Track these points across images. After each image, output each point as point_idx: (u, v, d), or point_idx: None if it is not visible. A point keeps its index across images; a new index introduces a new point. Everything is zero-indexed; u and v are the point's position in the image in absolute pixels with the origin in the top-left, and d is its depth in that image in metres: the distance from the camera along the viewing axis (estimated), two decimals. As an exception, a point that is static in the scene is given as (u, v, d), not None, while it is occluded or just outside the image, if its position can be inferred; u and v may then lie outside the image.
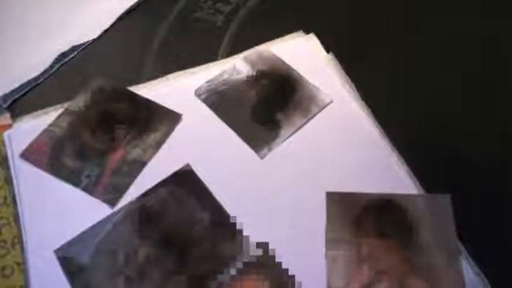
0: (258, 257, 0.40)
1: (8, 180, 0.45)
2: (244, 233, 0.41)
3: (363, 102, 0.49)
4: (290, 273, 0.39)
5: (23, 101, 0.52)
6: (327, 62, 0.52)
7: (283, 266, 0.39)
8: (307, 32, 0.55)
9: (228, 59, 0.54)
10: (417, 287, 0.38)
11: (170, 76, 0.52)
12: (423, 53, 0.53)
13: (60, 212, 0.43)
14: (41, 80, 0.54)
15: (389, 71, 0.52)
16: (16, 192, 0.44)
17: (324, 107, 0.49)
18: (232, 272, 0.39)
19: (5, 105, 0.51)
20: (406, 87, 0.50)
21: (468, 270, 0.39)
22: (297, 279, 0.38)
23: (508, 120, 0.48)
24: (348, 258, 0.39)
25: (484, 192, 0.43)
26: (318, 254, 0.40)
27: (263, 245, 0.40)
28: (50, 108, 0.50)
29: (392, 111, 0.48)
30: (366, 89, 0.49)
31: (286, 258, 0.40)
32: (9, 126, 0.50)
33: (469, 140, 0.46)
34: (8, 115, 0.51)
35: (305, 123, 0.48)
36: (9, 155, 0.46)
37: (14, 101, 0.52)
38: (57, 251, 0.40)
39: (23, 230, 0.42)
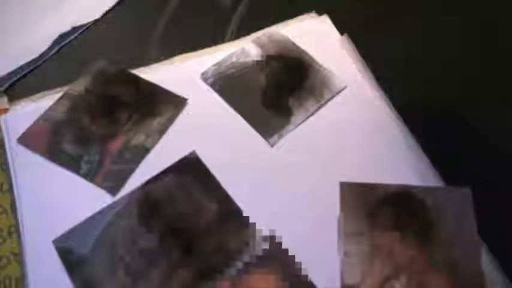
0: (267, 250, 0.37)
1: (5, 167, 0.43)
2: (253, 225, 0.38)
3: (379, 88, 0.46)
4: (301, 267, 0.36)
5: (21, 84, 0.50)
6: (341, 45, 0.49)
7: (295, 260, 0.37)
8: (320, 13, 0.52)
9: (236, 42, 0.51)
10: (436, 281, 0.35)
11: (175, 59, 0.50)
12: (444, 38, 0.50)
13: (59, 200, 0.40)
14: (40, 62, 0.51)
15: (407, 54, 0.49)
16: (13, 179, 0.42)
17: (338, 93, 0.46)
18: (240, 265, 0.37)
19: (2, 88, 0.49)
20: (425, 71, 0.47)
21: (488, 264, 0.36)
22: (308, 274, 0.36)
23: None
24: (363, 253, 0.37)
25: (506, 186, 0.41)
26: (331, 247, 0.38)
27: (273, 238, 0.38)
28: (49, 92, 0.47)
29: (410, 97, 0.45)
30: (382, 74, 0.47)
31: (297, 251, 0.37)
32: (6, 110, 0.47)
33: (493, 133, 0.44)
34: (5, 99, 0.49)
35: (318, 109, 0.45)
36: (5, 140, 0.44)
37: (12, 84, 0.49)
38: (55, 242, 0.38)
39: (20, 219, 0.40)
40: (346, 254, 0.37)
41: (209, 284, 0.36)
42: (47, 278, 0.37)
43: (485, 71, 0.48)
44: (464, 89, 0.46)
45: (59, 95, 0.47)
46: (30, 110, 0.45)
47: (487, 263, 0.36)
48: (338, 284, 0.36)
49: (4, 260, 0.39)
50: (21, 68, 0.50)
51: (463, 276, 0.36)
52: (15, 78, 0.50)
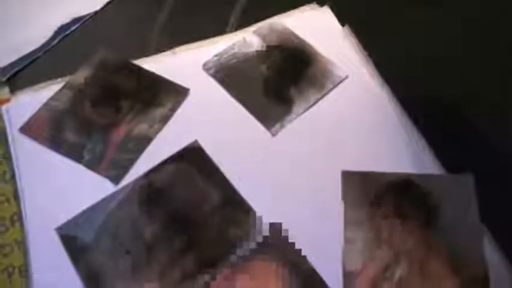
0: (268, 237, 0.38)
1: (7, 156, 0.43)
2: (254, 213, 0.39)
3: (381, 78, 0.46)
4: (302, 254, 0.37)
5: (22, 74, 0.50)
6: (342, 36, 0.50)
7: (297, 247, 0.37)
8: (321, 4, 0.52)
9: (238, 33, 0.51)
10: (438, 268, 0.36)
11: (177, 49, 0.50)
12: (444, 27, 0.50)
13: (62, 189, 0.41)
14: (41, 53, 0.51)
15: (408, 46, 0.49)
16: (15, 168, 0.42)
17: (339, 83, 0.46)
18: (241, 252, 0.37)
19: (3, 79, 0.49)
20: (426, 63, 0.48)
21: (490, 251, 0.37)
22: (310, 261, 0.37)
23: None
24: (365, 240, 0.37)
25: (507, 173, 0.41)
26: (333, 235, 0.38)
27: (275, 226, 0.38)
28: (51, 82, 0.47)
29: (411, 87, 0.45)
30: (383, 64, 0.47)
31: (299, 239, 0.37)
32: (8, 100, 0.47)
33: (493, 121, 0.44)
34: (6, 89, 0.49)
35: (319, 99, 0.45)
36: (7, 129, 0.44)
37: (13, 74, 0.49)
38: (59, 229, 0.38)
39: (22, 207, 0.40)
40: (347, 241, 0.37)
41: (211, 271, 0.36)
42: (50, 266, 0.37)
43: (487, 61, 0.48)
44: (466, 78, 0.47)
45: (60, 85, 0.47)
46: (32, 100, 0.45)
47: (489, 250, 0.37)
48: (339, 270, 0.36)
49: (7, 248, 0.39)
50: (22, 58, 0.50)
51: (465, 262, 0.36)
52: (16, 69, 0.49)
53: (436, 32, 0.50)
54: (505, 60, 0.48)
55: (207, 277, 0.36)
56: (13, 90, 0.48)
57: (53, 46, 0.51)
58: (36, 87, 0.47)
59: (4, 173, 0.43)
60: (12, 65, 0.49)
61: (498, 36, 0.50)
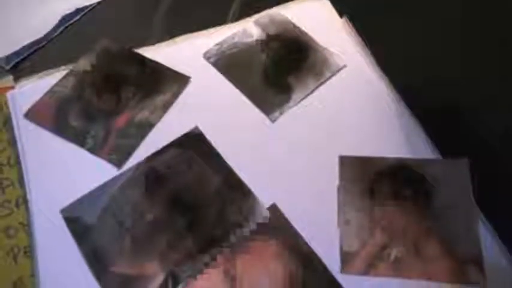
0: (268, 219, 0.38)
1: (12, 141, 0.44)
2: (254, 196, 0.40)
3: (378, 67, 0.47)
4: (302, 236, 0.38)
5: (26, 63, 0.50)
6: (340, 26, 0.51)
7: (295, 229, 0.38)
8: (320, -5, 0.53)
9: (239, 23, 0.52)
10: (433, 249, 0.37)
11: (178, 39, 0.51)
12: (441, 17, 0.51)
13: (66, 173, 0.41)
14: (44, 42, 0.52)
15: (406, 35, 0.50)
16: (20, 152, 0.43)
17: (337, 71, 0.47)
18: (242, 234, 0.38)
19: (7, 67, 0.49)
20: (424, 52, 0.49)
21: (485, 233, 0.38)
22: (309, 242, 0.37)
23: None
24: (361, 222, 0.38)
25: (501, 157, 0.42)
26: (331, 217, 0.39)
27: (273, 208, 0.39)
28: (54, 70, 0.48)
29: (409, 75, 0.46)
30: (381, 54, 0.48)
31: (297, 221, 0.38)
32: (12, 88, 0.48)
33: (488, 105, 0.45)
34: (10, 77, 0.49)
35: (318, 87, 0.46)
36: (12, 115, 0.45)
37: (17, 63, 0.50)
38: (63, 211, 0.39)
39: (27, 191, 0.41)
40: (344, 223, 0.38)
41: (211, 251, 0.37)
42: (54, 247, 0.38)
43: (484, 50, 0.49)
44: (463, 68, 0.47)
45: (64, 72, 0.48)
46: (36, 87, 0.46)
47: (483, 231, 0.38)
48: (337, 251, 0.37)
49: (12, 230, 0.40)
50: (26, 47, 0.51)
51: (460, 243, 0.37)
52: (20, 58, 0.50)
53: (435, 21, 0.51)
54: (503, 48, 0.49)
55: (207, 257, 0.37)
56: (17, 79, 0.49)
57: (56, 36, 0.52)
58: (40, 74, 0.48)
59: (9, 157, 0.43)
60: (16, 53, 0.50)
61: (496, 26, 0.51)
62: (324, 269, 0.36)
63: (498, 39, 0.49)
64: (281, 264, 0.37)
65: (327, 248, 0.37)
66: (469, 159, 0.40)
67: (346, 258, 0.37)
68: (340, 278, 0.36)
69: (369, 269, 0.36)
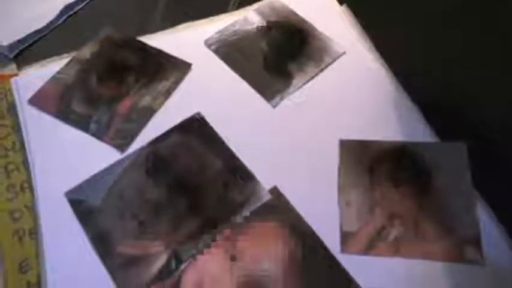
0: (269, 201, 0.39)
1: (16, 127, 0.45)
2: (256, 179, 0.40)
3: (377, 53, 0.48)
4: (303, 217, 0.38)
5: (29, 51, 0.51)
6: (340, 14, 0.51)
7: (296, 210, 0.39)
8: (320, -17, 0.54)
9: (240, 11, 0.52)
10: (432, 230, 0.37)
11: (180, 27, 0.51)
12: (442, 3, 0.52)
13: (70, 157, 0.42)
14: (47, 31, 0.53)
15: (406, 22, 0.50)
16: (25, 137, 0.43)
17: (337, 58, 0.48)
18: (244, 215, 0.38)
19: (11, 55, 0.50)
20: (424, 38, 0.49)
21: (483, 215, 0.38)
22: (309, 223, 0.38)
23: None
24: (361, 203, 0.39)
25: (499, 140, 0.42)
26: (331, 199, 0.39)
27: (275, 190, 0.40)
28: (57, 58, 0.49)
29: (408, 61, 0.47)
30: (380, 40, 0.48)
31: (299, 203, 0.39)
32: (16, 76, 0.48)
33: (488, 90, 0.45)
34: (14, 65, 0.50)
35: (318, 73, 0.47)
36: (17, 101, 0.45)
37: (20, 51, 0.51)
38: (68, 194, 0.40)
39: (32, 175, 0.41)
40: (345, 205, 0.39)
41: (213, 232, 0.38)
42: (59, 228, 0.39)
43: (485, 35, 0.49)
44: (463, 53, 0.48)
45: (67, 60, 0.48)
46: (40, 74, 0.47)
47: (481, 211, 0.38)
48: (336, 231, 0.38)
49: (18, 213, 0.40)
50: (29, 36, 0.51)
51: (458, 223, 0.38)
52: (23, 46, 0.51)
53: (435, 7, 0.51)
54: (504, 37, 0.49)
55: (209, 237, 0.37)
56: (20, 67, 0.49)
57: (59, 24, 0.53)
58: (43, 62, 0.48)
59: (14, 143, 0.44)
60: (19, 42, 0.51)
61: (497, 15, 0.51)
62: (324, 249, 0.37)
63: (500, 24, 0.50)
64: (281, 244, 0.37)
65: (327, 228, 0.38)
66: (468, 143, 0.41)
67: (346, 239, 0.37)
68: (340, 257, 0.37)
69: (369, 248, 0.37)
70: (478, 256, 0.36)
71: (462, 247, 0.36)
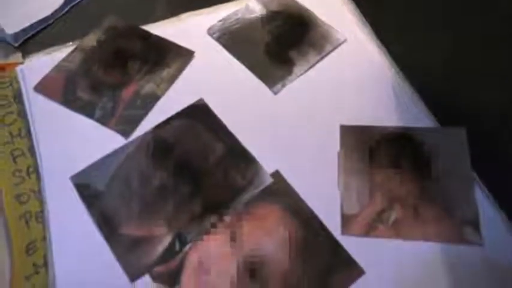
0: (271, 184, 0.40)
1: (22, 114, 0.45)
2: (258, 163, 0.41)
3: (378, 41, 0.48)
4: (304, 200, 0.39)
5: (33, 40, 0.52)
6: (340, 2, 0.52)
7: (298, 194, 0.39)
8: (321, -28, 0.54)
9: (242, 0, 0.53)
10: (431, 212, 0.38)
11: (183, 16, 0.52)
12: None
13: (75, 142, 0.43)
14: (51, 21, 0.53)
15: (406, 10, 0.51)
16: (31, 124, 0.44)
17: (338, 46, 0.48)
18: (246, 198, 0.39)
19: (16, 44, 0.51)
20: (424, 24, 0.50)
21: (482, 198, 0.39)
22: (311, 206, 0.39)
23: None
24: (361, 187, 0.40)
25: (499, 125, 0.43)
26: (332, 182, 0.40)
27: (277, 174, 0.40)
28: (61, 46, 0.50)
29: (407, 48, 0.48)
30: (381, 28, 0.49)
31: (300, 187, 0.40)
32: (21, 64, 0.49)
33: (489, 75, 0.46)
34: (19, 54, 0.51)
35: (319, 60, 0.48)
36: (22, 89, 0.46)
37: (25, 40, 0.51)
38: (73, 178, 0.41)
39: (38, 160, 0.42)
40: (345, 188, 0.40)
41: (216, 215, 0.38)
42: (65, 212, 0.39)
43: (485, 15, 0.49)
44: (463, 38, 0.48)
45: (71, 48, 0.49)
46: (45, 61, 0.48)
47: (479, 194, 0.39)
48: (337, 214, 0.39)
49: (24, 197, 0.41)
50: (33, 25, 0.52)
51: (457, 206, 0.38)
52: (28, 35, 0.52)
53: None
54: (504, 21, 0.50)
55: (212, 220, 0.38)
56: (25, 55, 0.50)
57: (64, 14, 0.54)
58: (48, 50, 0.49)
59: (20, 129, 0.45)
60: (24, 31, 0.51)
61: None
62: (325, 231, 0.38)
63: (498, 12, 0.50)
64: (283, 227, 0.38)
65: (328, 211, 0.39)
66: (467, 128, 0.42)
67: (346, 221, 0.38)
68: (341, 239, 0.37)
69: (369, 230, 0.38)
70: (476, 237, 0.37)
71: (461, 228, 0.37)
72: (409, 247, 0.37)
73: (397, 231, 0.37)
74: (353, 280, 0.35)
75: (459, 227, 0.37)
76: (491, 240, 0.37)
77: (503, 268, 0.36)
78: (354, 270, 0.36)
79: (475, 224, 0.37)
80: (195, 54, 0.48)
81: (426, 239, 0.37)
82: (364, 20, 0.50)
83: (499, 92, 0.45)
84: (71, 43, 0.50)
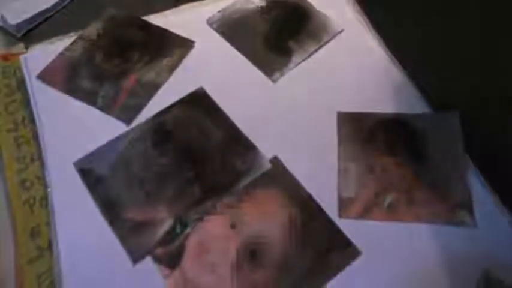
0: (270, 169, 0.41)
1: (26, 102, 0.46)
2: (258, 149, 0.42)
3: (374, 30, 0.49)
4: (302, 185, 0.40)
5: (35, 31, 0.52)
6: (338, -7, 0.53)
7: (296, 178, 0.40)
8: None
9: (240, -10, 0.54)
10: (425, 195, 0.39)
11: (183, 7, 0.53)
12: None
13: (78, 129, 0.44)
14: (53, 11, 0.54)
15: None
16: (34, 112, 0.45)
17: (335, 35, 0.49)
18: (246, 182, 0.40)
19: (19, 35, 0.52)
20: (422, 15, 0.50)
21: (475, 181, 0.40)
22: (309, 190, 0.40)
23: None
24: (357, 171, 0.41)
25: (491, 109, 0.44)
26: (329, 167, 0.41)
27: (275, 160, 0.41)
28: (63, 36, 0.51)
29: (402, 37, 0.48)
30: (377, 18, 0.50)
31: (298, 172, 0.41)
32: (24, 54, 0.50)
33: (479, 63, 0.47)
34: (21, 45, 0.51)
35: (317, 50, 0.48)
36: (26, 77, 0.47)
37: (28, 31, 0.52)
38: (76, 163, 0.41)
39: (42, 147, 0.43)
40: (341, 172, 0.41)
41: (216, 199, 0.39)
42: (69, 196, 0.40)
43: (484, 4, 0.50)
44: (458, 25, 0.49)
45: (73, 38, 0.50)
46: (47, 51, 0.49)
47: (472, 177, 0.40)
48: (335, 198, 0.40)
49: (28, 183, 0.42)
50: (35, 16, 0.53)
51: (451, 189, 0.39)
52: (30, 26, 0.52)
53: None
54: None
55: (212, 203, 0.39)
56: (28, 46, 0.51)
57: (65, 5, 0.54)
58: (50, 40, 0.50)
59: (23, 117, 0.46)
60: (26, 22, 0.52)
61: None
62: (323, 214, 0.39)
63: None
64: (282, 210, 0.39)
65: (325, 195, 0.40)
66: (460, 113, 0.43)
67: (343, 204, 0.39)
68: (338, 221, 0.38)
69: (365, 213, 0.39)
70: (469, 219, 0.38)
71: (454, 210, 0.38)
72: (404, 229, 0.38)
73: (392, 214, 0.38)
74: (350, 260, 0.37)
75: (452, 208, 0.38)
76: (483, 222, 0.38)
77: (495, 248, 0.37)
78: (351, 251, 0.37)
79: (468, 206, 0.38)
80: (195, 44, 0.49)
81: (420, 221, 0.38)
82: (360, 9, 0.51)
83: (493, 77, 0.46)
84: (72, 33, 0.50)
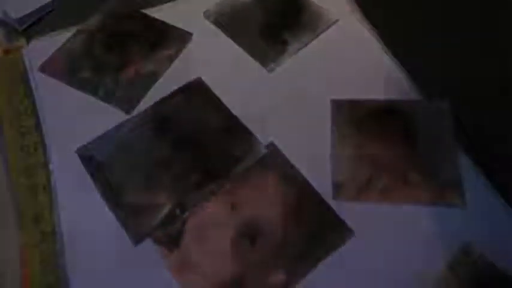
0: (266, 154, 0.42)
1: (28, 93, 0.47)
2: (254, 135, 0.43)
3: (367, 20, 0.51)
4: (298, 169, 0.41)
5: (37, 25, 0.54)
6: (332, -15, 0.54)
7: (292, 163, 0.41)
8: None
9: (236, -17, 0.55)
10: (417, 178, 0.40)
11: (179, 1, 0.54)
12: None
13: (79, 118, 0.45)
14: (54, 6, 0.55)
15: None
16: (37, 103, 0.46)
17: (330, 25, 0.51)
18: (243, 167, 0.41)
19: (20, 29, 0.53)
20: (413, 5, 0.52)
21: (466, 165, 0.41)
22: (304, 174, 0.41)
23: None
24: (351, 156, 0.42)
25: (482, 96, 0.45)
26: (323, 152, 0.42)
27: (272, 145, 0.43)
28: (64, 30, 0.52)
29: (394, 25, 0.50)
30: (370, 8, 0.51)
31: (294, 157, 0.42)
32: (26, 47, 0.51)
33: (471, 50, 0.48)
34: (23, 39, 0.53)
35: (312, 40, 0.50)
36: (28, 69, 0.48)
37: (29, 25, 0.53)
38: (78, 150, 0.43)
39: (45, 135, 0.44)
40: (336, 157, 0.42)
41: (215, 184, 0.41)
42: (71, 183, 0.42)
43: None
44: (455, 18, 0.50)
45: (73, 31, 0.51)
46: (49, 44, 0.50)
47: (462, 159, 0.41)
48: (329, 181, 0.41)
49: (32, 170, 0.43)
50: (37, 10, 0.54)
51: (442, 173, 0.40)
52: (32, 20, 0.53)
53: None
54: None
55: (211, 188, 0.40)
56: (29, 40, 0.52)
57: (64, 1, 0.56)
58: (51, 33, 0.51)
59: (26, 108, 0.47)
60: (28, 16, 0.53)
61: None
62: (318, 196, 0.40)
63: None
64: (278, 193, 0.40)
65: (320, 178, 0.41)
66: (451, 100, 0.44)
67: (337, 187, 0.40)
68: (332, 203, 0.40)
69: (358, 196, 0.40)
70: (458, 200, 0.39)
71: (444, 191, 0.39)
72: (396, 210, 0.39)
73: (384, 196, 0.40)
74: (344, 241, 0.38)
75: (442, 190, 0.39)
76: (472, 204, 0.39)
77: (485, 229, 0.38)
78: (345, 231, 0.38)
79: (458, 187, 0.39)
80: (192, 36, 0.51)
81: (412, 202, 0.39)
82: (355, 1, 0.52)
83: (484, 64, 0.47)
84: (73, 27, 0.52)
